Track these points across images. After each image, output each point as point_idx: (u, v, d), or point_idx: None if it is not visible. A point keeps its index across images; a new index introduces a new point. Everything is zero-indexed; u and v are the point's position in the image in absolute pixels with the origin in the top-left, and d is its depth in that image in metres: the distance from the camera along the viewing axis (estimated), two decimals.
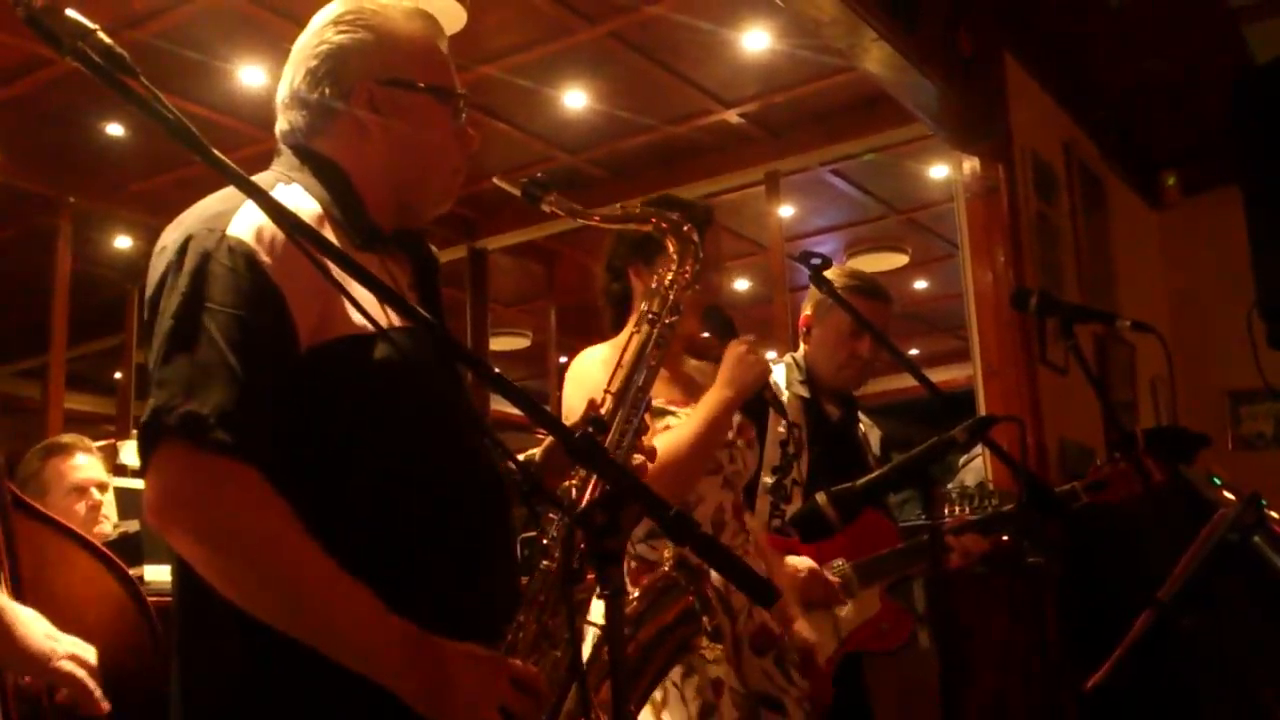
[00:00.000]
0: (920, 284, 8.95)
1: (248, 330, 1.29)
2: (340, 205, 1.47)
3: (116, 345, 8.79)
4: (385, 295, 1.24)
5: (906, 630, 2.84)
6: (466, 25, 4.98)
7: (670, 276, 1.74)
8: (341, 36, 1.53)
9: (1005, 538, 2.75)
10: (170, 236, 1.42)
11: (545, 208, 1.65)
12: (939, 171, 6.67)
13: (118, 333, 8.63)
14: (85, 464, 3.28)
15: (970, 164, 4.97)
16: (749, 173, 6.63)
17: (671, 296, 1.72)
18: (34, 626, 1.21)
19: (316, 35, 1.55)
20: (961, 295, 5.05)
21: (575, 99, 5.80)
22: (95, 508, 3.27)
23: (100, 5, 5.25)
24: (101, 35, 1.12)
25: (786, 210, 7.07)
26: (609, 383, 1.62)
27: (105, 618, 1.48)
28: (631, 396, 1.59)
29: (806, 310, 3.06)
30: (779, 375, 2.94)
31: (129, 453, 5.76)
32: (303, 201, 1.45)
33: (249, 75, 5.65)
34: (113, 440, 5.88)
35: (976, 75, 4.78)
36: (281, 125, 1.56)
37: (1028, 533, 2.58)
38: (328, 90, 1.51)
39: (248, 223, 1.35)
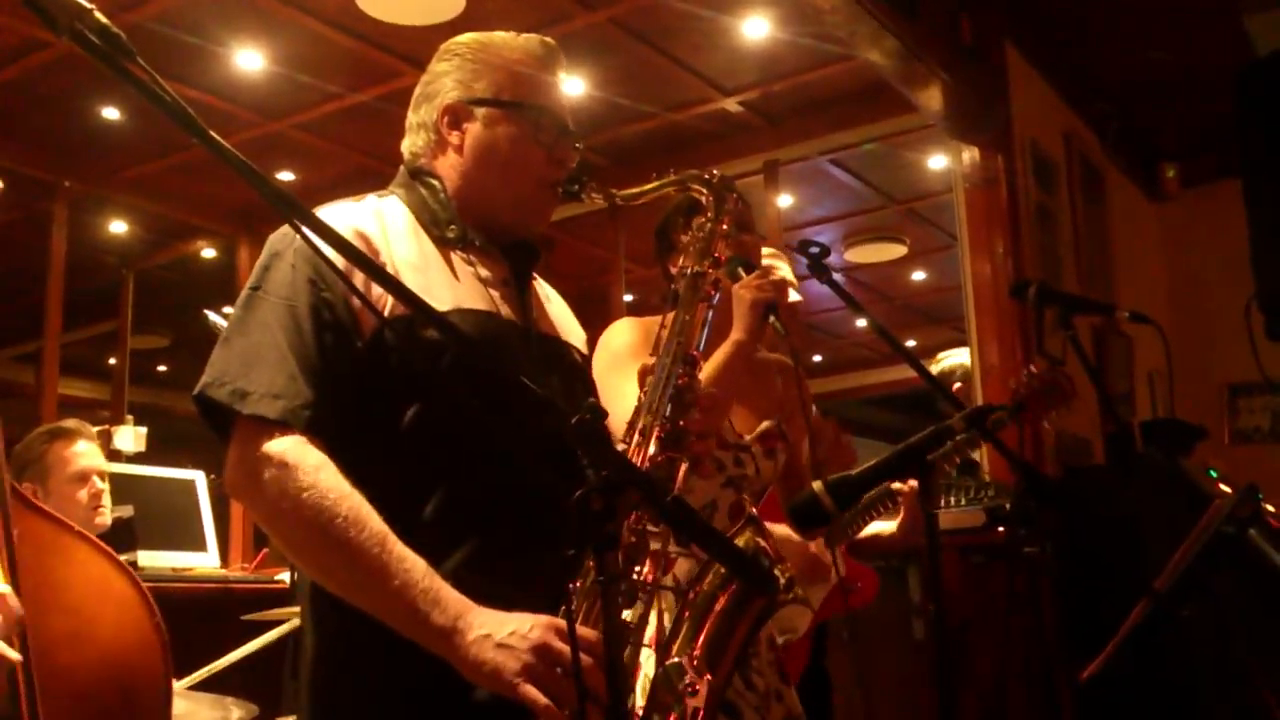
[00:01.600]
0: (919, 275, 8.95)
1: (299, 317, 1.43)
2: (428, 212, 1.62)
3: (111, 330, 8.78)
4: (387, 283, 1.26)
5: (871, 592, 2.85)
6: (464, 11, 4.98)
7: (709, 227, 1.76)
8: (442, 64, 1.70)
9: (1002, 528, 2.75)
10: None
11: (584, 198, 1.71)
12: (938, 162, 6.66)
13: (113, 318, 8.62)
14: (87, 451, 3.27)
15: (970, 154, 4.96)
16: (748, 161, 6.61)
17: (706, 246, 1.74)
18: None
19: (429, 67, 1.72)
20: (960, 287, 5.04)
21: (574, 86, 5.78)
22: (96, 496, 3.26)
23: None
24: (98, 16, 1.11)
25: (785, 200, 7.06)
26: (656, 346, 1.65)
27: (107, 609, 1.48)
28: (672, 351, 1.61)
29: None
30: None
31: (123, 438, 5.77)
32: (392, 209, 1.61)
33: (246, 59, 5.63)
34: (107, 426, 5.88)
35: (977, 65, 4.77)
36: (403, 146, 1.73)
37: (1024, 522, 2.58)
38: (424, 112, 1.68)
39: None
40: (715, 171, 1.83)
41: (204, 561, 4.74)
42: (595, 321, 2.47)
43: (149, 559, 4.38)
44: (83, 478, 3.23)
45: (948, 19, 4.63)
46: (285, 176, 6.95)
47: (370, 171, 6.54)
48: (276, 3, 5.13)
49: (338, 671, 1.48)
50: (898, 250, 8.21)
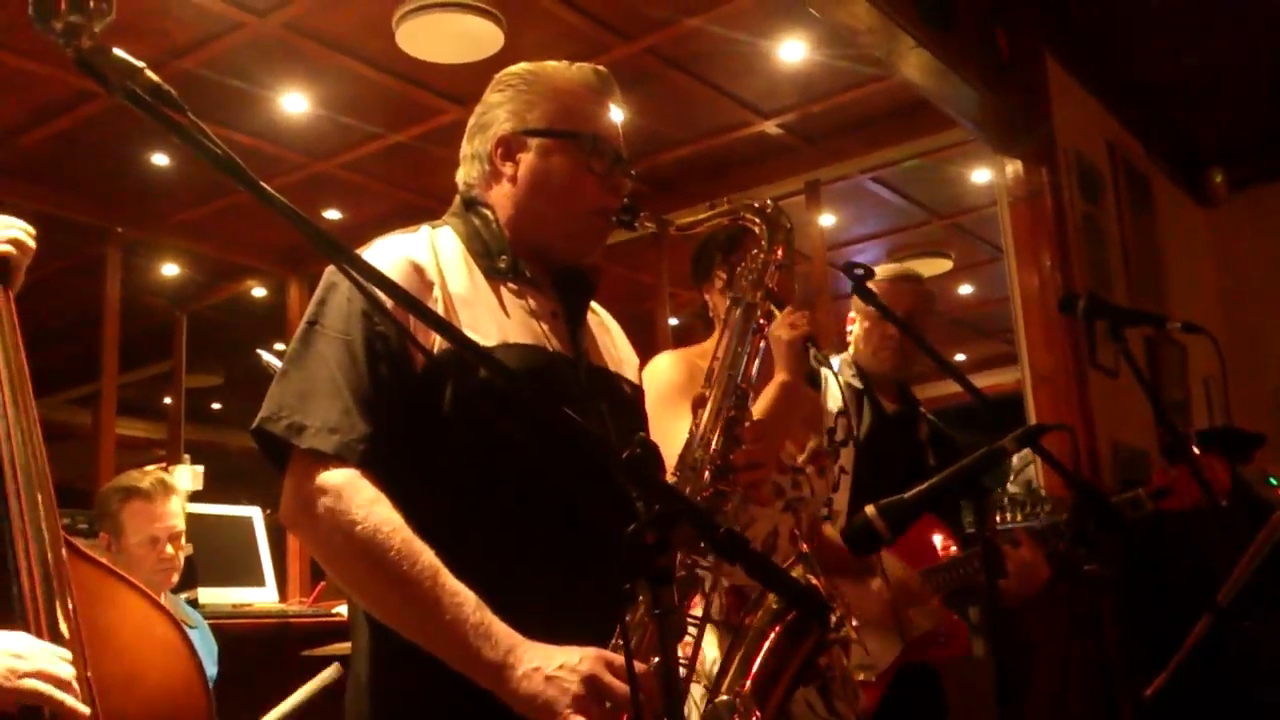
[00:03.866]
0: (965, 289, 8.89)
1: (354, 351, 1.45)
2: (479, 242, 1.63)
3: (165, 371, 8.93)
4: (434, 322, 1.28)
5: (963, 642, 2.80)
6: (504, 47, 5.03)
7: (762, 257, 1.77)
8: (494, 96, 1.71)
9: (1061, 546, 2.72)
10: None
11: (639, 228, 1.72)
12: (981, 175, 6.63)
13: (166, 358, 8.76)
14: (164, 513, 3.19)
15: (1013, 167, 4.93)
16: (789, 183, 6.63)
17: (759, 277, 1.75)
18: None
19: (483, 98, 1.73)
20: (1008, 299, 5.00)
21: (614, 115, 5.81)
22: (168, 560, 3.18)
23: (144, 37, 5.37)
24: (149, 73, 1.12)
25: (828, 219, 7.06)
26: (708, 379, 1.66)
27: (153, 653, 1.50)
28: (723, 384, 1.61)
29: (851, 312, 3.14)
30: (836, 367, 2.95)
31: (181, 477, 5.85)
32: (445, 240, 1.62)
33: (290, 102, 5.73)
34: (165, 464, 5.97)
35: (1016, 77, 4.75)
36: (458, 177, 1.74)
37: (1083, 540, 2.55)
38: (478, 143, 1.69)
39: (372, 257, 1.50)
40: (770, 201, 1.83)
41: (263, 597, 4.79)
42: (641, 347, 2.48)
43: (209, 596, 4.43)
44: (155, 542, 3.15)
45: (984, 33, 4.62)
46: (332, 215, 7.05)
47: (415, 207, 6.62)
48: (319, 46, 5.23)
49: (389, 702, 1.49)
50: (943, 265, 8.15)
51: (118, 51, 1.12)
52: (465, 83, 5.44)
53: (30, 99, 5.35)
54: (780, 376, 2.12)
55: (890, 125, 6.15)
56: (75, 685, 1.27)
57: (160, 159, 6.29)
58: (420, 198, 6.63)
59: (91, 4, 1.13)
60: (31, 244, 1.62)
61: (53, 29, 1.11)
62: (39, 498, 1.38)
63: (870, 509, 1.65)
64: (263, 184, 1.16)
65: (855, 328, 3.11)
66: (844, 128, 6.26)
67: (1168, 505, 2.73)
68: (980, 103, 4.50)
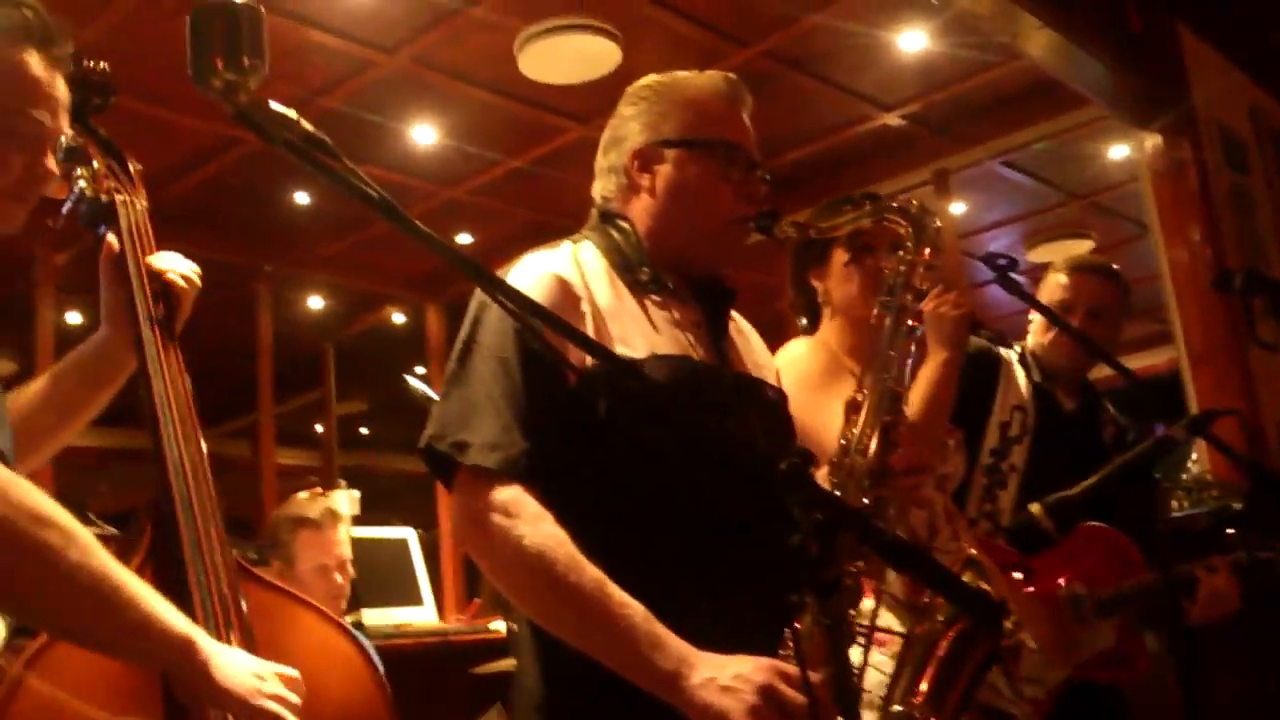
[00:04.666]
0: None
1: (510, 369, 1.48)
2: (620, 255, 1.64)
3: (316, 400, 9.25)
4: (581, 342, 1.31)
5: (1140, 665, 2.64)
6: (622, 63, 5.08)
7: (909, 258, 1.73)
8: (628, 109, 1.70)
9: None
10: None
11: (779, 235, 1.70)
12: (1118, 151, 6.41)
13: (316, 387, 9.09)
14: (335, 541, 3.25)
15: (1153, 141, 4.75)
16: (916, 173, 6.53)
17: (909, 278, 1.71)
18: (235, 663, 1.26)
19: (616, 111, 1.73)
20: (1156, 277, 4.83)
21: (746, 121, 5.82)
22: (338, 589, 3.22)
23: (283, 81, 5.59)
24: (304, 123, 1.16)
25: (959, 207, 6.92)
26: (859, 382, 1.65)
27: (334, 671, 1.53)
28: (880, 390, 1.60)
29: None
30: (1013, 360, 2.84)
31: (340, 502, 6.04)
32: (588, 254, 1.63)
33: (420, 134, 5.90)
34: (320, 489, 6.18)
35: (1148, 50, 4.58)
36: (593, 191, 1.74)
37: (1259, 523, 2.43)
38: (613, 157, 1.69)
39: (519, 276, 1.54)
40: (915, 200, 1.78)
41: (422, 616, 4.91)
42: (772, 349, 2.47)
43: (372, 618, 4.55)
44: (325, 570, 3.20)
45: (1111, 8, 4.47)
46: (464, 239, 7.21)
47: (543, 226, 6.73)
48: (445, 78, 5.38)
49: (561, 715, 1.50)
50: (1084, 246, 7.89)
51: (273, 105, 1.17)
52: (586, 101, 5.52)
53: (180, 149, 5.62)
54: (944, 354, 2.07)
55: (1019, 107, 6.00)
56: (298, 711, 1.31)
57: (302, 197, 6.54)
58: (548, 216, 6.74)
59: (246, 62, 1.17)
60: (198, 282, 1.68)
61: (212, 88, 1.15)
62: (213, 531, 1.41)
63: (1036, 506, 1.61)
64: (419, 224, 1.19)
65: (1034, 319, 2.98)
66: (970, 114, 6.14)
67: None
68: (1113, 79, 4.36)
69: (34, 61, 1.37)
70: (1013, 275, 2.39)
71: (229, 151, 5.74)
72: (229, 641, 1.34)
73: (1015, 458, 2.57)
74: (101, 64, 1.72)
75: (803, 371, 2.16)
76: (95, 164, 1.67)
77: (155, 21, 4.30)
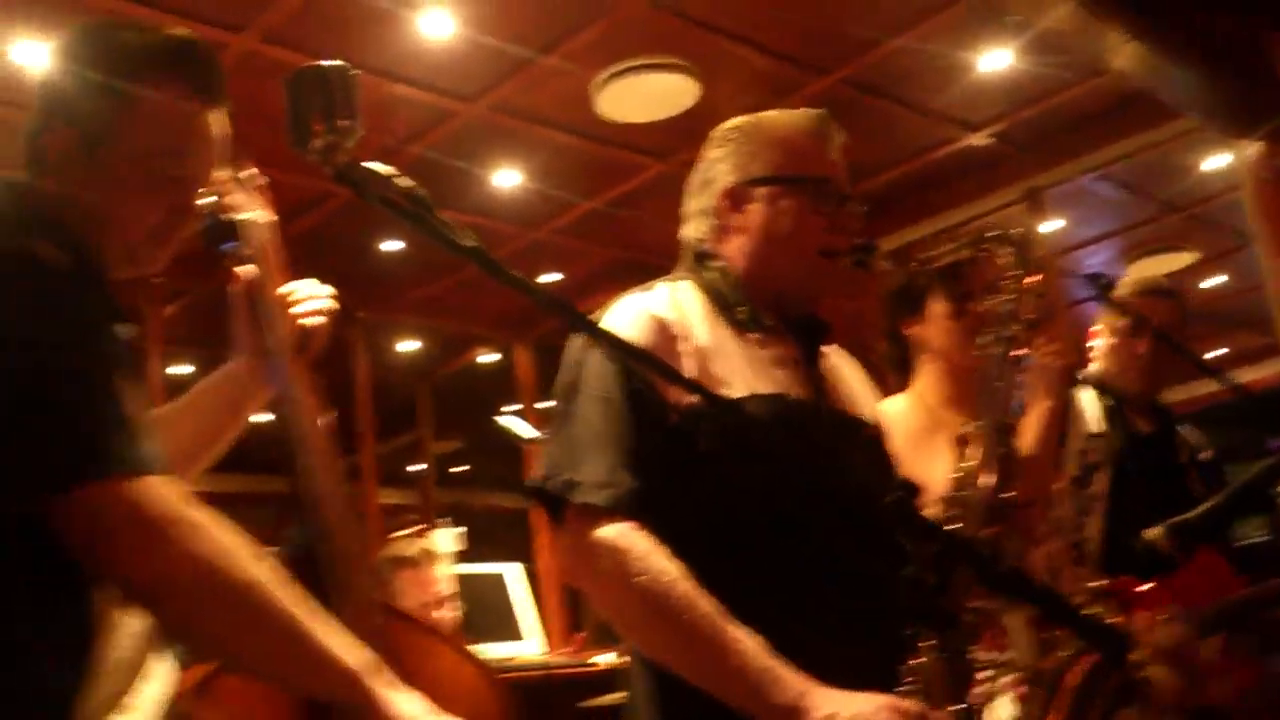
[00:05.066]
0: (1214, 280, 8.33)
1: (615, 408, 1.50)
2: (717, 295, 1.65)
3: (412, 440, 9.39)
4: (681, 381, 1.32)
5: (1249, 682, 2.55)
6: (700, 99, 5.11)
7: (1014, 287, 1.71)
8: (715, 151, 1.72)
9: None
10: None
11: (875, 268, 1.69)
12: (1216, 161, 6.25)
13: (412, 428, 9.23)
14: (433, 578, 3.36)
15: (1254, 149, 4.61)
16: (1007, 192, 6.42)
17: (1015, 308, 1.70)
18: (407, 703, 1.25)
19: (703, 156, 1.75)
20: (1260, 288, 4.67)
21: (836, 155, 5.80)
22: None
23: (370, 132, 5.64)
24: (399, 180, 1.19)
25: (1052, 225, 6.80)
26: (973, 413, 1.63)
27: (463, 701, 1.53)
28: (991, 422, 1.59)
29: (1097, 325, 2.96)
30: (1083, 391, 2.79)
31: (442, 540, 6.12)
32: (686, 294, 1.65)
33: (502, 178, 5.99)
34: (422, 528, 6.26)
35: (1241, 57, 4.46)
36: (685, 233, 1.76)
37: None
38: (704, 199, 1.71)
39: (617, 316, 1.57)
40: (1018, 228, 1.77)
41: (526, 650, 4.93)
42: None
43: (480, 653, 4.59)
44: (425, 607, 3.28)
45: (1201, 18, 4.37)
46: (551, 278, 7.28)
47: (625, 263, 6.78)
48: (524, 123, 5.47)
49: None
50: (1184, 259, 7.70)
51: (370, 164, 1.19)
52: (664, 138, 5.56)
53: (277, 204, 5.75)
54: (1047, 403, 2.06)
55: (1109, 121, 5.88)
56: None
57: (392, 244, 6.68)
58: (630, 253, 6.78)
59: (341, 123, 1.21)
60: (335, 305, 1.68)
61: (312, 151, 1.19)
62: (358, 566, 1.41)
63: (1155, 531, 1.56)
64: (516, 273, 1.20)
65: (1099, 343, 2.92)
66: (1059, 130, 6.03)
67: None
68: (1206, 89, 4.25)
69: (191, 103, 1.38)
70: (1114, 295, 2.35)
71: (323, 205, 5.88)
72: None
73: (1098, 484, 2.52)
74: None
75: (902, 431, 2.14)
76: (219, 179, 1.62)
77: (248, 82, 4.44)
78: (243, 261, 1.60)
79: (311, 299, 1.64)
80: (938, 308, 2.25)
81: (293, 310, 1.61)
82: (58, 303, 1.20)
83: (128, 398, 1.19)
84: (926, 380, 2.25)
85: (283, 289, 1.62)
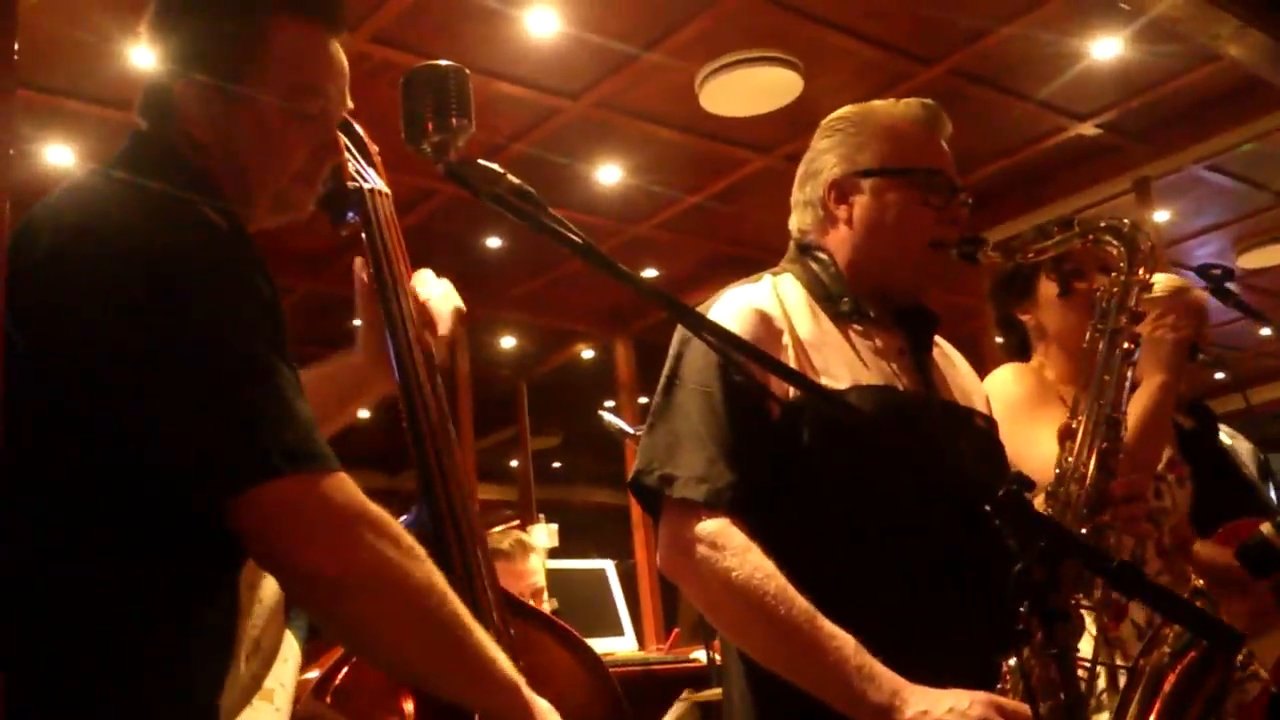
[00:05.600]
0: None
1: (714, 402, 1.49)
2: (820, 287, 1.64)
3: (511, 436, 9.51)
4: (784, 373, 1.32)
5: None
6: (804, 91, 5.09)
7: (1123, 279, 1.68)
8: (823, 142, 1.71)
9: None
10: None
11: (983, 260, 1.67)
12: None
13: (511, 424, 9.35)
14: (527, 571, 3.35)
15: None
16: (1115, 183, 6.30)
17: (1123, 300, 1.67)
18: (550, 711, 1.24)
19: (811, 146, 1.73)
20: None
21: (944, 146, 5.74)
22: None
23: (477, 129, 5.73)
24: (510, 178, 1.19)
25: (1161, 215, 6.63)
26: (1074, 408, 1.61)
27: (577, 694, 1.53)
28: (1094, 414, 1.56)
29: None
30: None
31: (538, 536, 6.19)
32: (788, 287, 1.64)
33: (605, 173, 6.04)
34: (520, 523, 6.35)
35: None
36: (790, 224, 1.75)
37: None
38: (809, 190, 1.70)
39: (720, 310, 1.57)
40: (1126, 220, 1.72)
41: (623, 645, 4.97)
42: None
43: None
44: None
45: None
46: (650, 273, 7.32)
47: (727, 257, 6.77)
48: (628, 119, 5.51)
49: None
50: None
51: (481, 162, 1.19)
52: (766, 132, 5.55)
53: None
54: (1160, 377, 1.99)
55: (1221, 110, 5.72)
56: None
57: (494, 241, 6.78)
58: (732, 247, 6.77)
59: (454, 122, 1.24)
60: (460, 303, 1.59)
61: (424, 149, 1.22)
62: (482, 561, 1.39)
63: (1267, 526, 1.52)
64: (622, 267, 1.20)
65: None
66: (1170, 119, 5.88)
67: None
68: None
69: (312, 34, 1.31)
70: (1228, 286, 2.29)
71: (425, 203, 6.00)
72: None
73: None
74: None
75: (1010, 398, 2.11)
76: (339, 145, 1.49)
77: (355, 82, 4.55)
78: (363, 233, 1.53)
79: (437, 296, 1.58)
80: (1047, 289, 2.22)
81: (420, 295, 1.55)
82: (233, 273, 1.15)
83: (294, 381, 1.15)
84: (1045, 359, 2.22)
85: (411, 284, 1.55)
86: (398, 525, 1.15)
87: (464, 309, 1.60)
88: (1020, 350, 2.30)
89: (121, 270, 1.12)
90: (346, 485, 1.12)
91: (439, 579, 1.14)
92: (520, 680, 1.19)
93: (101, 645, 1.11)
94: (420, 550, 1.15)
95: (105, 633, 1.11)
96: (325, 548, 1.09)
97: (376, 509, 1.13)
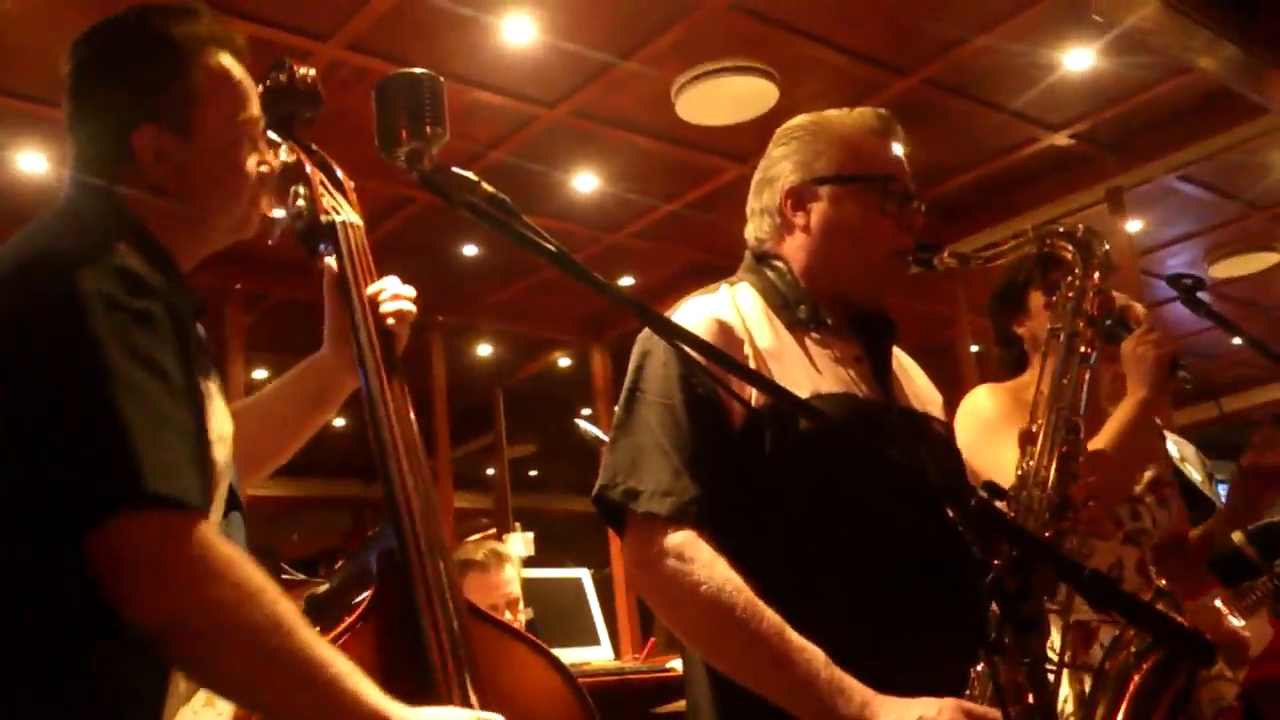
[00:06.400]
0: None
1: (676, 414, 1.49)
2: (777, 295, 1.64)
3: (488, 444, 9.48)
4: (751, 377, 1.33)
5: None
6: (779, 101, 5.11)
7: (1077, 284, 1.69)
8: (778, 149, 1.70)
9: None
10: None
11: (939, 266, 1.68)
12: None
13: (487, 432, 9.31)
14: (502, 581, 3.33)
15: None
16: (1088, 193, 6.36)
17: (1078, 304, 1.67)
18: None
19: (767, 152, 1.73)
20: None
21: (899, 153, 5.77)
22: None
23: (452, 137, 5.70)
24: (485, 186, 1.19)
25: (1134, 225, 6.69)
26: (1033, 413, 1.61)
27: (546, 708, 1.53)
28: (1053, 418, 1.57)
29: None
30: None
31: (514, 544, 6.16)
32: (745, 297, 1.63)
33: (582, 182, 6.04)
34: (496, 531, 6.32)
35: None
36: (746, 233, 1.74)
37: None
38: (765, 198, 1.70)
39: (681, 321, 1.54)
40: (1079, 225, 1.73)
41: (598, 655, 4.95)
42: (944, 379, 2.41)
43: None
44: (494, 609, 3.25)
45: None
46: (626, 281, 7.32)
47: (704, 265, 6.78)
48: (604, 127, 5.52)
49: None
50: (1269, 259, 7.54)
51: (456, 170, 1.19)
52: (742, 141, 5.56)
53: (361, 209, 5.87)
54: (1140, 393, 2.02)
55: (1193, 120, 5.79)
56: None
57: (470, 249, 6.76)
58: (708, 256, 6.78)
59: (428, 130, 1.23)
60: (413, 308, 1.64)
61: (397, 156, 1.21)
62: (441, 566, 1.39)
63: (1238, 535, 1.54)
64: (598, 276, 1.20)
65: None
66: (1142, 129, 5.95)
67: None
68: None
69: (230, 63, 1.38)
70: (1200, 295, 2.30)
71: (401, 210, 5.98)
72: (465, 681, 1.33)
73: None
74: (310, 72, 1.69)
75: (982, 415, 2.14)
76: (312, 180, 1.63)
77: (332, 89, 4.54)
78: (335, 262, 1.61)
79: (396, 298, 1.63)
80: (1037, 301, 2.26)
81: (381, 309, 1.60)
82: (129, 323, 1.15)
83: (186, 422, 1.16)
84: (1037, 371, 2.25)
85: (371, 288, 1.61)
86: (241, 565, 1.12)
87: (412, 311, 1.63)
88: (1018, 365, 2.33)
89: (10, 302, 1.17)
90: (190, 527, 1.10)
91: (287, 614, 1.12)
92: (391, 709, 1.15)
93: (34, 664, 1.11)
94: (270, 587, 1.13)
95: (36, 652, 1.11)
96: (153, 596, 1.08)
97: (220, 550, 1.11)
